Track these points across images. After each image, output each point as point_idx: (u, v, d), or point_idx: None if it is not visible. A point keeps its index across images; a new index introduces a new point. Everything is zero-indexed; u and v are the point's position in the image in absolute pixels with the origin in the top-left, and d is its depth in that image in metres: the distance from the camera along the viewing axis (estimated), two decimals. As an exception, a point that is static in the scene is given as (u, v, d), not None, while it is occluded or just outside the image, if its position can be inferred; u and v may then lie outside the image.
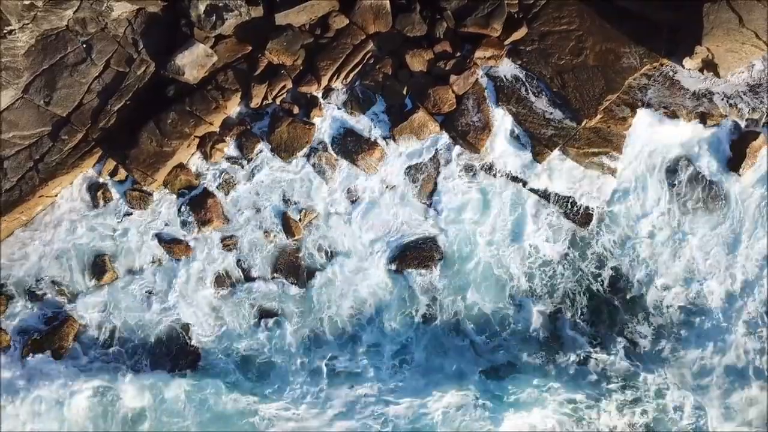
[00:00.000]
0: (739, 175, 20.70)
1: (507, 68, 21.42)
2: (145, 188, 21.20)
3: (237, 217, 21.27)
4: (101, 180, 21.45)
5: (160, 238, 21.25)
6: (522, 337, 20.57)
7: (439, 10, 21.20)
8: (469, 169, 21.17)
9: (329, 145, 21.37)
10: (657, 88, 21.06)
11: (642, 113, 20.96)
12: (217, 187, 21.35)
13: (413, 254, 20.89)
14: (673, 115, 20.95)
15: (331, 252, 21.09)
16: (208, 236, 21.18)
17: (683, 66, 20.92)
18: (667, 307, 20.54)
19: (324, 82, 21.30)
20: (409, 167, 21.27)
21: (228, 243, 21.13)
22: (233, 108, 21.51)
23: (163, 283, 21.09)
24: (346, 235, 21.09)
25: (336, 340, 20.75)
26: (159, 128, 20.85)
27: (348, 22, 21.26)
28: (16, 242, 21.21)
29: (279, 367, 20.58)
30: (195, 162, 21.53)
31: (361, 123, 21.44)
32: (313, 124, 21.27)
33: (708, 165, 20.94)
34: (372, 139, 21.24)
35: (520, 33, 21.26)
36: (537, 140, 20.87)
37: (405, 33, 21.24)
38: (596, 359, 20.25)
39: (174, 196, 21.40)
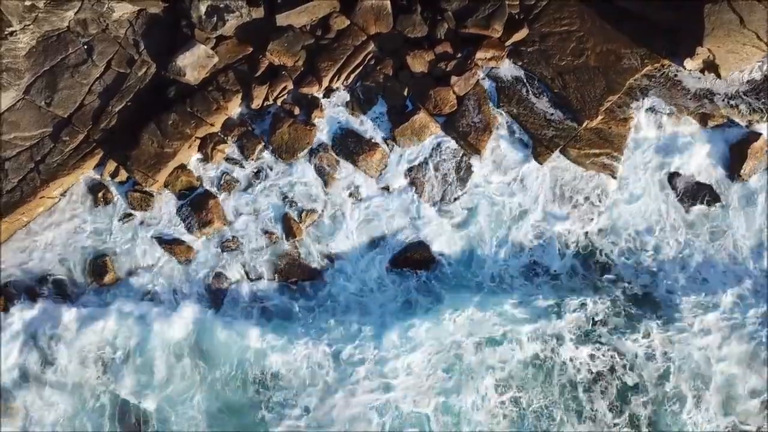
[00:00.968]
0: (740, 176, 20.69)
1: (508, 69, 21.44)
2: (146, 189, 21.20)
3: (238, 218, 21.26)
4: (102, 181, 21.44)
5: (160, 239, 21.24)
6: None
7: (439, 11, 21.21)
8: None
9: (330, 146, 21.37)
10: (658, 89, 21.08)
11: (643, 114, 20.97)
12: (218, 188, 21.35)
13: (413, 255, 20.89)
14: (674, 116, 20.97)
15: (331, 253, 21.05)
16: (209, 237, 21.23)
17: (684, 67, 20.92)
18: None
19: (325, 83, 21.31)
20: (410, 168, 21.28)
21: (229, 244, 21.12)
22: (234, 109, 21.51)
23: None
24: (347, 237, 21.09)
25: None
26: (160, 129, 20.85)
27: (349, 23, 21.27)
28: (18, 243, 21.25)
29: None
30: (196, 163, 21.53)
31: (362, 124, 21.45)
32: (314, 125, 21.27)
33: (708, 166, 20.95)
34: (373, 140, 21.24)
35: (521, 34, 21.27)
36: (538, 141, 20.88)
37: (406, 34, 21.25)
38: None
39: (175, 197, 21.39)
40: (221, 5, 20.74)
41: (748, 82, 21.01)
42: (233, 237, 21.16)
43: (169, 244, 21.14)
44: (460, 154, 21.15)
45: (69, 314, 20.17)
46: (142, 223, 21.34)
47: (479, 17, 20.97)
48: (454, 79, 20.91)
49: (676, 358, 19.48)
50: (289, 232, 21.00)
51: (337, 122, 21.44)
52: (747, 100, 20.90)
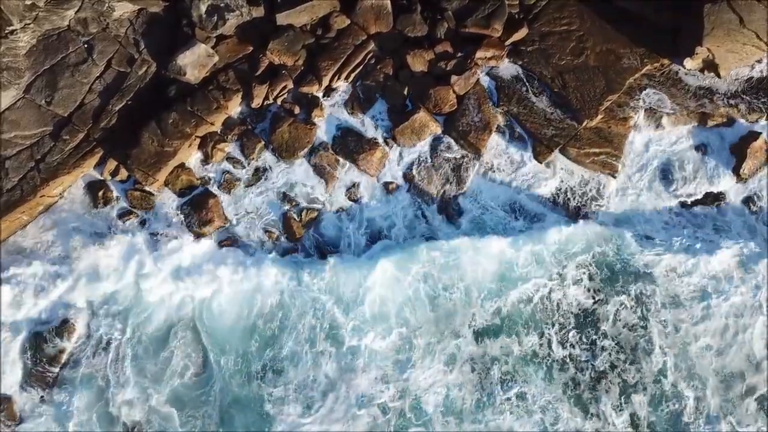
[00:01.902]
0: (741, 176, 20.72)
1: (508, 68, 21.49)
2: (146, 188, 21.20)
3: (238, 217, 21.27)
4: (102, 180, 21.43)
5: (159, 237, 21.24)
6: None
7: (440, 10, 21.25)
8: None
9: (330, 145, 21.39)
10: (658, 89, 21.09)
11: (643, 114, 21.00)
12: (218, 187, 21.36)
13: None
14: (673, 116, 21.00)
15: (331, 251, 21.09)
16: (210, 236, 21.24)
17: (684, 66, 20.97)
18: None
19: (325, 82, 21.33)
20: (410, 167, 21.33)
21: (228, 243, 21.13)
22: (234, 108, 21.53)
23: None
24: (347, 235, 21.12)
25: None
26: (160, 128, 20.86)
27: (349, 22, 21.30)
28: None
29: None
30: (196, 162, 21.54)
31: (362, 123, 21.47)
32: (315, 124, 21.29)
33: (709, 166, 20.98)
34: (373, 139, 21.25)
35: (521, 33, 21.31)
36: (538, 140, 20.91)
37: (406, 33, 21.28)
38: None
39: (175, 196, 21.39)
40: (222, 4, 20.76)
41: (747, 81, 21.03)
42: (233, 236, 21.11)
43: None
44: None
45: None
46: (142, 221, 21.30)
47: (479, 17, 21.00)
48: (454, 78, 20.94)
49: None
50: (289, 230, 21.00)
51: (338, 121, 21.45)
52: (747, 99, 20.93)
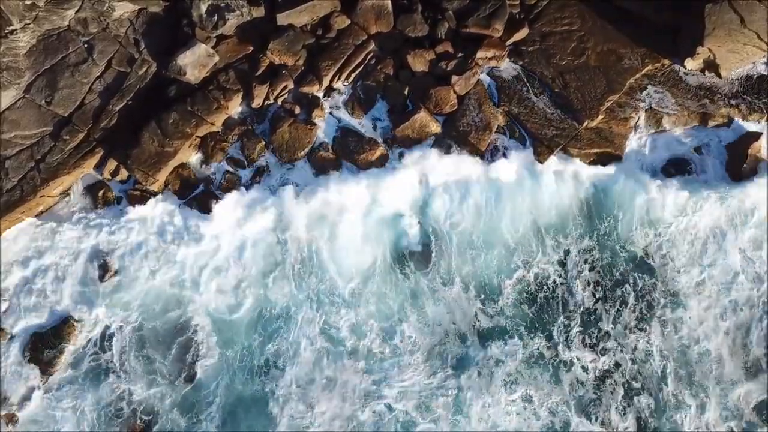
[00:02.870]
0: (741, 175, 20.72)
1: (508, 69, 21.46)
2: (146, 188, 21.17)
3: (236, 215, 21.23)
4: (103, 180, 21.40)
5: (161, 238, 21.22)
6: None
7: (440, 10, 21.22)
8: None
9: (330, 145, 21.36)
10: (658, 89, 21.07)
11: (643, 114, 20.98)
12: (218, 187, 21.34)
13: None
14: (674, 116, 20.98)
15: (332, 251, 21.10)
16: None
17: (684, 67, 20.94)
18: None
19: (325, 82, 21.30)
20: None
21: (227, 240, 21.12)
22: (235, 108, 21.50)
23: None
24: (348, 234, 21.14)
25: None
26: (160, 128, 20.84)
27: (349, 22, 21.26)
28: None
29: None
30: (196, 162, 21.51)
31: (363, 123, 21.44)
32: (315, 125, 21.27)
33: (709, 165, 20.98)
34: (373, 140, 21.22)
35: (522, 33, 21.28)
36: (539, 140, 20.88)
37: (406, 33, 21.25)
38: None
39: (175, 196, 21.35)
40: (222, 4, 20.72)
41: (747, 80, 21.01)
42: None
43: (170, 243, 21.13)
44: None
45: None
46: (142, 221, 21.30)
47: (480, 17, 20.97)
48: (454, 78, 20.92)
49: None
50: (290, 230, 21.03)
51: (338, 122, 21.42)
52: (747, 99, 20.90)
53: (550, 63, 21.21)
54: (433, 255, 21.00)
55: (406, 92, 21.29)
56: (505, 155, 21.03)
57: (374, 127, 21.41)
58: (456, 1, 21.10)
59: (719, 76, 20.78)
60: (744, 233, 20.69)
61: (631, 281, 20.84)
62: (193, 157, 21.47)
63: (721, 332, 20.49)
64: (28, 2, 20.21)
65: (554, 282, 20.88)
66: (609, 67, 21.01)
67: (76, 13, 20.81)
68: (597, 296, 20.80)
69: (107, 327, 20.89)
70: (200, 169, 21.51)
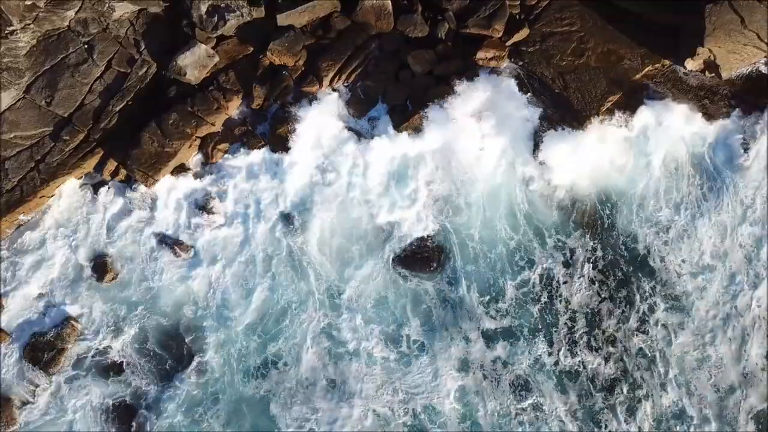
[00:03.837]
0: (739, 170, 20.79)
1: (509, 69, 21.41)
2: (146, 189, 21.15)
3: (239, 217, 21.24)
4: (102, 180, 21.39)
5: (161, 238, 21.19)
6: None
7: (440, 11, 21.20)
8: None
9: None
10: (659, 89, 21.05)
11: (644, 114, 20.99)
12: (218, 188, 21.32)
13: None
14: (673, 116, 20.98)
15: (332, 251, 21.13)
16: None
17: (685, 67, 20.91)
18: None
19: (326, 82, 21.29)
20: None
21: (227, 241, 21.12)
22: (235, 109, 21.49)
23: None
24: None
25: None
26: (160, 129, 20.83)
27: (350, 23, 21.24)
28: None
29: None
30: (196, 162, 21.49)
31: (363, 123, 21.42)
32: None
33: (709, 165, 21.00)
34: (374, 140, 21.22)
35: (522, 34, 21.26)
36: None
37: (407, 34, 21.23)
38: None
39: (175, 197, 21.33)
40: (222, 5, 20.72)
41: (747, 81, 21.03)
42: (234, 236, 21.21)
43: (170, 243, 21.07)
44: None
45: None
46: (142, 222, 21.29)
47: (480, 17, 20.96)
48: (454, 79, 20.91)
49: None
50: (291, 230, 20.99)
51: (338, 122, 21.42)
52: (747, 99, 20.91)
53: (551, 63, 21.20)
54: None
55: (406, 93, 21.26)
56: None
57: (374, 128, 21.39)
58: (456, 2, 21.09)
59: (720, 76, 20.74)
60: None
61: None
62: (193, 158, 21.45)
63: None
64: (28, 2, 20.20)
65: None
66: (609, 68, 20.99)
67: (76, 13, 20.80)
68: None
69: (109, 327, 20.93)
70: (200, 169, 21.53)
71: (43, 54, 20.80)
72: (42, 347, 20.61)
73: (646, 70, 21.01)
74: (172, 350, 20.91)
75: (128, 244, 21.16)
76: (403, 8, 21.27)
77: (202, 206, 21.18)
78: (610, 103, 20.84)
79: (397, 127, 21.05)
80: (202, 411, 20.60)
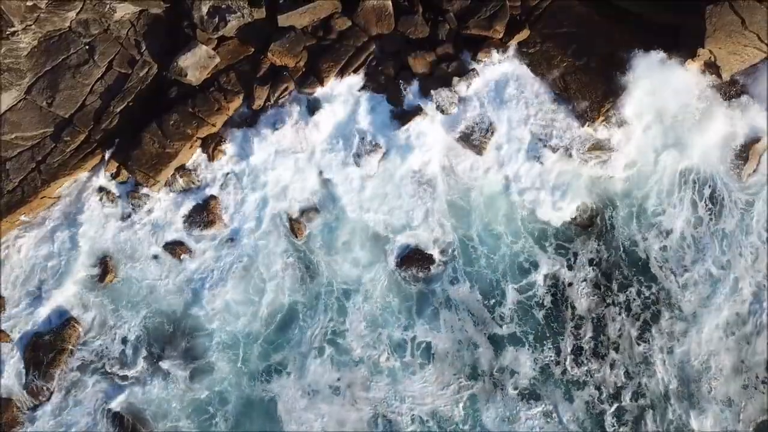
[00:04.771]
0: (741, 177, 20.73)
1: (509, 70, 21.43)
2: (146, 189, 21.16)
3: (239, 218, 21.25)
4: (103, 181, 21.39)
5: (162, 239, 21.20)
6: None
7: (441, 12, 21.22)
8: None
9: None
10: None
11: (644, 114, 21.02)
12: (219, 188, 21.33)
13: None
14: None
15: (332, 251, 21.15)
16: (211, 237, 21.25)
17: (685, 68, 20.89)
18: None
19: (326, 83, 21.30)
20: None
21: (229, 244, 21.12)
22: (235, 109, 21.50)
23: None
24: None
25: None
26: (161, 129, 20.85)
27: (350, 23, 21.27)
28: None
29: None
30: (197, 163, 21.50)
31: (363, 124, 21.43)
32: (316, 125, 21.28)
33: (709, 165, 21.00)
34: (374, 141, 21.22)
35: (523, 35, 21.27)
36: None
37: (407, 35, 21.25)
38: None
39: (176, 198, 21.35)
40: (223, 6, 20.74)
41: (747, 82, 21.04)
42: (234, 237, 21.20)
43: (170, 244, 21.10)
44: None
45: None
46: (142, 222, 21.31)
47: (481, 18, 20.98)
48: (455, 80, 20.91)
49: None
50: (292, 231, 21.01)
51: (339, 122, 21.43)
52: (747, 100, 20.90)
53: (551, 65, 21.21)
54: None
55: (406, 93, 21.26)
56: None
57: (375, 128, 21.38)
58: (457, 3, 21.12)
59: (720, 77, 20.74)
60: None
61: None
62: (194, 159, 21.46)
63: None
64: (29, 3, 20.24)
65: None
66: (610, 69, 20.99)
67: (77, 14, 20.84)
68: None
69: (110, 327, 20.95)
70: (201, 170, 21.58)
71: (44, 55, 20.84)
72: (43, 348, 20.62)
73: (647, 70, 21.03)
74: (174, 351, 20.87)
75: (129, 245, 21.17)
76: (404, 9, 21.29)
77: (203, 207, 21.18)
78: (610, 104, 20.83)
79: (398, 129, 21.09)
80: (206, 413, 20.56)
